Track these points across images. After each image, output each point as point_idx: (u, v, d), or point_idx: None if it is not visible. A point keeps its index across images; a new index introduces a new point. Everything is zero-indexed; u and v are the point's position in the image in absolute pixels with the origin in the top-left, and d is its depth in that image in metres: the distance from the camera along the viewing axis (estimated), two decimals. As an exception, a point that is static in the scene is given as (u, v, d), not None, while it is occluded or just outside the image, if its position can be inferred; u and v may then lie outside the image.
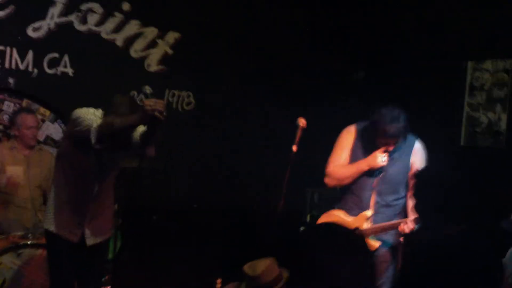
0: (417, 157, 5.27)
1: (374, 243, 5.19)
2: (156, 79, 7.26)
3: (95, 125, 4.42)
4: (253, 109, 7.42)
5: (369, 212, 5.25)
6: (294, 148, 5.71)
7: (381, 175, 5.26)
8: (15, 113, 6.65)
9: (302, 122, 5.75)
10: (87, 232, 4.85)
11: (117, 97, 4.65)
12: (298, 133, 5.70)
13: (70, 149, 4.81)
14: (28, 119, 6.45)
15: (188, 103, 7.39)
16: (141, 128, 4.56)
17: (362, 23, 7.39)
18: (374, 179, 5.28)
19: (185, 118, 7.36)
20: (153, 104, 4.15)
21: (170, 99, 7.33)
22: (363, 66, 7.51)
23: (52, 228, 4.84)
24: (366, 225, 5.23)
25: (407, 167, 5.27)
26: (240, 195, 7.33)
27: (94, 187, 4.81)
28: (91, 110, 4.65)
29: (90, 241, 4.88)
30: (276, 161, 6.15)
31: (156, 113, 4.13)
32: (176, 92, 7.34)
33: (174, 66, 7.33)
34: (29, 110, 6.65)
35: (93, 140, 4.40)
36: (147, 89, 4.51)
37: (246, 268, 4.55)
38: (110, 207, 5.11)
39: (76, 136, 4.62)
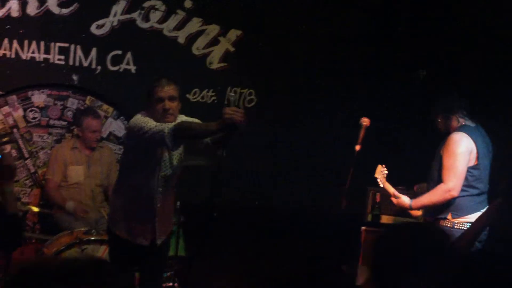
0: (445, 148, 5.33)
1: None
2: (218, 77, 7.26)
3: (166, 130, 4.37)
4: (315, 107, 7.34)
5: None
6: (358, 147, 5.67)
7: None
8: (81, 113, 6.72)
9: (365, 121, 5.72)
10: (157, 233, 4.89)
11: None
12: (362, 132, 5.68)
13: (135, 160, 4.80)
14: (93, 124, 6.52)
15: (250, 101, 7.35)
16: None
17: (423, 21, 7.26)
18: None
19: (247, 115, 7.30)
20: (232, 113, 4.11)
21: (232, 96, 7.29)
22: (424, 64, 7.37)
23: (123, 234, 4.87)
24: None
25: (439, 160, 5.38)
26: (302, 193, 7.28)
27: (160, 191, 4.82)
28: (144, 117, 4.61)
29: (159, 241, 4.92)
30: (340, 160, 6.09)
31: (236, 121, 4.10)
32: (238, 90, 7.31)
33: (235, 64, 7.30)
34: (95, 114, 6.68)
35: (169, 144, 4.38)
36: (231, 96, 4.49)
37: None
38: (172, 204, 5.11)
39: (147, 143, 4.56)
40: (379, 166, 5.69)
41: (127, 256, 4.88)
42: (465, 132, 5.30)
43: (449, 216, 5.31)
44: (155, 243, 4.88)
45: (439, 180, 5.31)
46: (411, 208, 5.52)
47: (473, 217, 5.19)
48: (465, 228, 5.18)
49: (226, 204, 6.97)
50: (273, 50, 7.31)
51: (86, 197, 6.48)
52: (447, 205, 5.31)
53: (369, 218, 6.33)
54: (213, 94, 7.23)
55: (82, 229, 5.87)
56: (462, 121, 5.39)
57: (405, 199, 5.49)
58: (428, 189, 5.47)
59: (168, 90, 4.60)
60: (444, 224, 5.31)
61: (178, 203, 5.70)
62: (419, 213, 5.69)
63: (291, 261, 6.89)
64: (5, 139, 5.93)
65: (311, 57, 7.32)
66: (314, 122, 7.30)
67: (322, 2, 7.32)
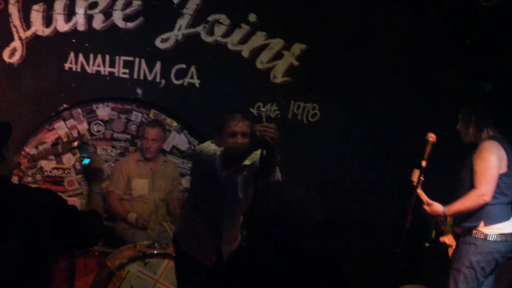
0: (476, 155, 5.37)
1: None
2: (282, 91, 7.22)
3: (218, 152, 4.36)
4: (378, 123, 7.21)
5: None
6: (424, 163, 5.56)
7: None
8: (142, 125, 6.77)
9: (431, 137, 5.62)
10: (224, 253, 4.87)
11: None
12: (428, 148, 5.57)
13: (202, 186, 4.77)
14: (152, 132, 6.54)
15: (314, 115, 7.27)
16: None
17: (492, 34, 7.11)
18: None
19: (310, 130, 7.24)
20: (263, 129, 3.96)
21: (296, 110, 7.24)
22: (490, 78, 7.21)
23: (190, 251, 4.85)
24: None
25: (470, 166, 5.40)
26: (363, 209, 7.17)
27: (229, 215, 4.81)
28: (209, 143, 4.63)
29: (225, 257, 4.89)
30: (404, 175, 5.98)
31: (267, 138, 3.95)
32: (302, 104, 7.25)
33: (299, 78, 7.24)
34: (154, 123, 6.71)
35: (218, 168, 4.31)
36: (263, 111, 4.23)
37: None
38: (239, 224, 5.08)
39: (205, 167, 4.51)
40: (416, 170, 5.58)
41: (193, 273, 4.84)
42: (496, 141, 5.37)
43: (481, 224, 5.30)
44: (220, 263, 4.86)
45: (471, 187, 5.32)
46: (445, 215, 5.49)
47: (504, 226, 5.31)
48: (497, 241, 5.27)
49: (287, 219, 6.99)
50: (337, 65, 7.22)
51: (149, 211, 6.48)
52: (479, 213, 5.31)
53: (433, 234, 6.26)
54: (276, 108, 7.18)
55: (145, 242, 5.88)
56: (492, 132, 5.44)
57: (438, 206, 5.44)
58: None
59: (243, 126, 4.55)
60: (477, 235, 5.30)
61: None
62: (447, 227, 5.66)
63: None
64: (76, 144, 5.97)
65: (373, 72, 7.20)
66: (377, 137, 7.18)
67: (385, 15, 7.19)
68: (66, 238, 3.57)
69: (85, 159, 4.08)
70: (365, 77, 7.20)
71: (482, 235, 5.28)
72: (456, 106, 5.77)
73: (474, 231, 5.32)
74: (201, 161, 4.55)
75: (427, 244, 6.46)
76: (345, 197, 7.22)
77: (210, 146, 4.54)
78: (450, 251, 5.62)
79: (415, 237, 5.86)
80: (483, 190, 5.24)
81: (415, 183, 5.49)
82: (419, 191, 5.53)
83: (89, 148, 4.94)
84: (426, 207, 5.48)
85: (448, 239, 5.65)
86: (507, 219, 5.36)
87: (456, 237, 5.54)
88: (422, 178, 5.48)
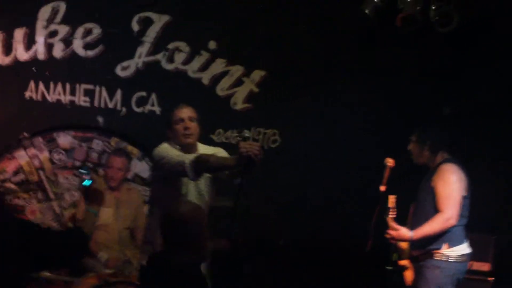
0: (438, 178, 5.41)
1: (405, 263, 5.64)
2: (242, 117, 7.26)
3: (187, 161, 4.49)
4: (339, 147, 7.27)
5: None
6: (383, 188, 5.64)
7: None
8: (108, 153, 6.75)
9: (390, 162, 5.69)
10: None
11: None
12: (386, 173, 5.65)
13: (162, 191, 4.88)
14: (117, 161, 6.50)
15: (274, 141, 7.33)
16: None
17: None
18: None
19: (270, 156, 7.29)
20: (248, 147, 4.21)
21: (256, 137, 7.29)
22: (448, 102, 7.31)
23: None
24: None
25: (429, 188, 5.42)
26: (327, 232, 7.19)
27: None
28: (167, 145, 4.79)
29: None
30: (365, 200, 6.05)
31: (252, 155, 4.18)
32: (262, 130, 7.31)
33: (260, 104, 7.30)
34: (119, 152, 6.71)
35: (190, 175, 4.50)
36: (246, 133, 4.50)
37: None
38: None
39: (169, 174, 4.67)
40: (391, 196, 5.63)
41: None
42: (454, 163, 5.43)
43: (444, 247, 5.34)
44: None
45: (433, 211, 5.35)
46: (412, 240, 5.42)
47: (463, 247, 5.39)
48: (459, 262, 5.34)
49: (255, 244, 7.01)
50: (297, 90, 7.28)
51: (112, 240, 6.44)
52: (442, 236, 5.34)
53: (394, 257, 6.29)
54: (237, 134, 7.23)
55: (108, 271, 5.85)
56: (446, 155, 5.52)
57: (405, 231, 5.41)
58: (418, 224, 5.42)
59: (187, 111, 4.91)
60: (441, 258, 5.34)
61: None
62: (405, 246, 5.64)
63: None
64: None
65: (336, 95, 7.26)
66: (338, 161, 7.24)
67: (348, 40, 7.25)
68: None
69: (86, 180, 4.16)
70: (325, 102, 7.27)
71: (445, 257, 5.33)
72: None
73: (437, 254, 5.35)
74: (162, 167, 4.68)
75: (389, 268, 6.48)
76: (309, 220, 7.25)
77: (170, 151, 4.69)
78: (408, 274, 5.68)
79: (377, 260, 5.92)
80: (449, 214, 5.26)
81: (391, 212, 5.53)
82: (390, 217, 5.51)
83: (89, 170, 4.97)
84: (392, 232, 5.45)
85: (407, 262, 5.71)
86: (466, 240, 5.43)
87: (413, 259, 5.58)
88: (392, 203, 5.54)
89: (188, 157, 4.52)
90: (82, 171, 4.21)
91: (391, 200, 5.56)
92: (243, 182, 4.42)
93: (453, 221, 5.28)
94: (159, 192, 4.94)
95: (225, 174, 4.81)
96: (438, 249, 5.36)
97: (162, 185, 4.87)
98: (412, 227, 5.47)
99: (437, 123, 6.77)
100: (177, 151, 4.71)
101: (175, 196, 4.76)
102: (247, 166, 4.27)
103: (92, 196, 4.00)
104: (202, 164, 4.49)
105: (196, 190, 4.88)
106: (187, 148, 4.82)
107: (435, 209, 5.35)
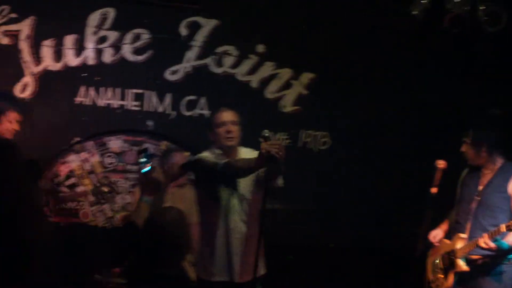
0: None
1: (462, 265, 5.25)
2: (291, 120, 7.26)
3: (220, 163, 4.68)
4: (390, 148, 7.21)
5: (463, 235, 5.30)
6: (434, 190, 5.56)
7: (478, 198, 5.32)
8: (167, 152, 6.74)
9: (441, 163, 5.61)
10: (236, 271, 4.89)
11: None
12: (437, 175, 5.57)
13: (204, 192, 5.00)
14: (177, 156, 6.50)
15: (324, 143, 7.30)
16: None
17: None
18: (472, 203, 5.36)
19: (321, 158, 7.27)
20: (268, 146, 4.31)
21: (305, 139, 7.27)
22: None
23: (201, 273, 4.97)
24: (459, 246, 5.29)
25: (505, 194, 5.23)
26: (378, 235, 7.15)
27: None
28: (207, 153, 4.92)
29: (239, 278, 4.89)
30: (417, 202, 5.98)
31: (272, 152, 4.25)
32: (311, 133, 7.28)
33: (309, 107, 7.28)
34: (179, 149, 6.70)
35: (220, 178, 4.74)
36: (266, 133, 4.57)
37: None
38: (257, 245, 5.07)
39: (205, 172, 4.84)
40: None
41: None
42: None
43: None
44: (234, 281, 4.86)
45: (506, 219, 5.10)
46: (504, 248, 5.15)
47: None
48: None
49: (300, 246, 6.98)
50: (346, 93, 7.26)
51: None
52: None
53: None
54: (286, 137, 7.22)
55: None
56: (502, 157, 5.40)
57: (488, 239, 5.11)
58: (480, 230, 5.22)
59: (229, 114, 4.97)
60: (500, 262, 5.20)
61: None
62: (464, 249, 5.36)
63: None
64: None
65: (385, 98, 7.23)
66: (389, 163, 7.19)
67: (395, 39, 7.21)
68: None
69: (146, 167, 4.17)
70: (375, 103, 7.23)
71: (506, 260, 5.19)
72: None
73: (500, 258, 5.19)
74: (201, 169, 4.87)
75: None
76: (359, 224, 7.21)
77: (207, 156, 4.84)
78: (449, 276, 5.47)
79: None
80: None
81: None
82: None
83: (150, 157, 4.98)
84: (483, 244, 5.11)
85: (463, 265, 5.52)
86: None
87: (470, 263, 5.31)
88: None
89: (220, 162, 4.68)
90: (142, 159, 4.18)
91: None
92: (268, 183, 4.50)
93: None
94: (203, 192, 5.03)
95: (261, 176, 4.78)
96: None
97: (204, 191, 5.00)
98: (472, 232, 5.30)
99: (488, 124, 6.67)
100: (214, 159, 4.81)
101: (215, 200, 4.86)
102: (270, 165, 4.35)
103: (149, 184, 3.98)
104: (229, 167, 4.63)
105: (237, 196, 4.88)
106: (229, 151, 4.89)
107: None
